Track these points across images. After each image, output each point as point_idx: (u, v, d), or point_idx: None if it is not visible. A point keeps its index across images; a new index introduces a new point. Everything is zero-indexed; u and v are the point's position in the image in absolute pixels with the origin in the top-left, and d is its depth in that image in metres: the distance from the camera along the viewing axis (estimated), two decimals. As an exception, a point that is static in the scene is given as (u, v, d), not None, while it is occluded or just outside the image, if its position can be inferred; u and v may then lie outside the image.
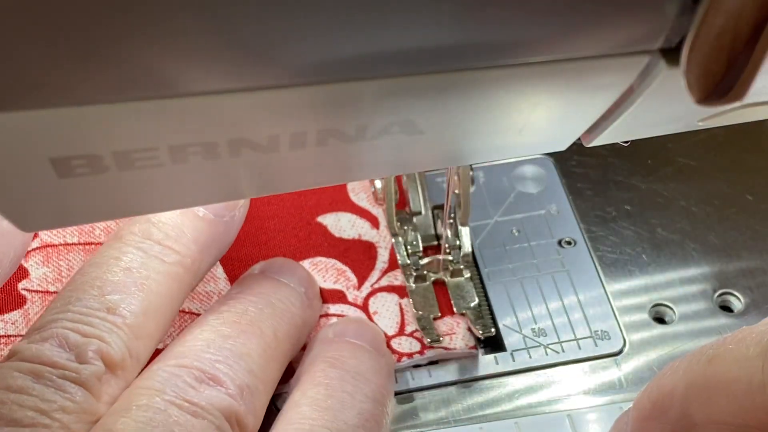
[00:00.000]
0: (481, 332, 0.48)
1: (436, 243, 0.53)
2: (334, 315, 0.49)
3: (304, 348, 0.47)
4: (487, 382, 0.48)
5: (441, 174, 0.56)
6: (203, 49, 0.20)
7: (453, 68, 0.23)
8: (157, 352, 0.41)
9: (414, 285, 0.50)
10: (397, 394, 0.47)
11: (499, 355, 0.49)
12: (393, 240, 0.52)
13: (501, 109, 0.26)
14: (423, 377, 0.48)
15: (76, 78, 0.20)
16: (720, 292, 0.52)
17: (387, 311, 0.50)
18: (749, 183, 0.57)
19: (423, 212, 0.54)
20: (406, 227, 0.52)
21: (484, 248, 0.53)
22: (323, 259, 0.51)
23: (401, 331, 0.49)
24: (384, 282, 0.51)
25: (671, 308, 0.51)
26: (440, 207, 0.54)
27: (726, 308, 0.52)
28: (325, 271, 0.51)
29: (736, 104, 0.24)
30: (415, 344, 0.48)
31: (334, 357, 0.43)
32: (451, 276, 0.51)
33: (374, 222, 0.53)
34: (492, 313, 0.51)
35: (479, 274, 0.52)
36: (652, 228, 0.55)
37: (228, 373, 0.38)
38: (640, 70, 0.25)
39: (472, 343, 0.49)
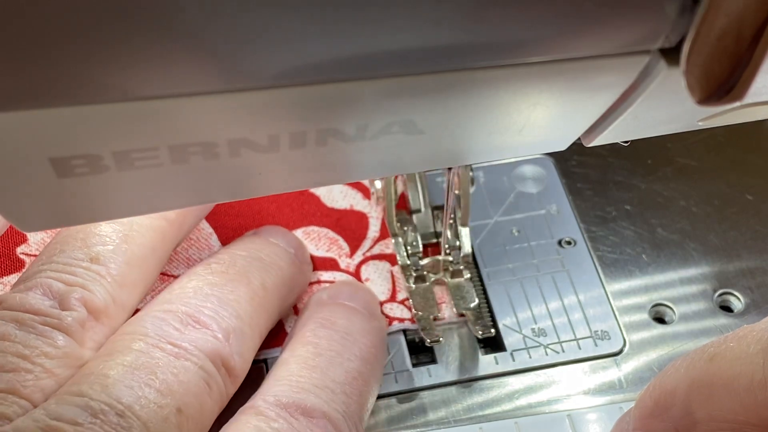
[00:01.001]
0: (480, 333, 0.48)
1: (435, 241, 0.53)
2: (326, 281, 0.50)
3: (297, 312, 0.47)
4: (487, 382, 0.48)
5: (441, 174, 0.56)
6: (204, 50, 0.20)
7: (453, 68, 0.23)
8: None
9: (414, 285, 0.50)
10: (397, 394, 0.47)
11: (499, 355, 0.49)
12: (393, 240, 0.52)
13: (501, 109, 0.26)
14: (423, 377, 0.48)
15: (77, 78, 0.20)
16: (720, 292, 0.52)
17: (379, 278, 0.51)
18: (749, 183, 0.57)
19: (423, 210, 0.54)
20: (406, 228, 0.52)
21: (484, 248, 0.53)
22: (316, 228, 0.52)
23: (392, 298, 0.50)
24: (376, 250, 0.52)
25: (671, 308, 0.51)
26: (440, 207, 0.54)
27: (726, 308, 0.52)
28: (318, 240, 0.52)
29: (736, 104, 0.24)
30: (405, 312, 0.50)
31: (324, 318, 0.44)
32: (451, 276, 0.51)
33: (366, 192, 0.54)
34: (492, 313, 0.51)
35: (479, 274, 0.52)
36: (652, 228, 0.55)
37: (213, 317, 0.39)
38: (640, 70, 0.25)
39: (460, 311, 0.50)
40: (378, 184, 0.51)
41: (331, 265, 0.51)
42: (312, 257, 0.51)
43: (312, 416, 0.38)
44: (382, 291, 0.50)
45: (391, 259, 0.52)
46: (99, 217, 0.29)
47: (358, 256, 0.52)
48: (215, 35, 0.20)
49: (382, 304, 0.50)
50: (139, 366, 0.36)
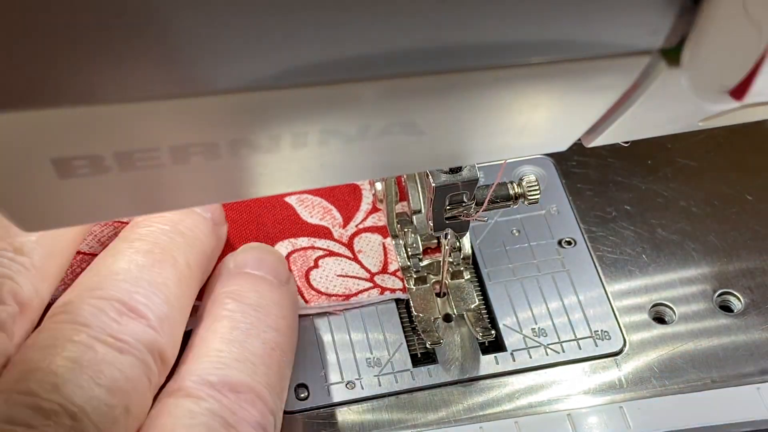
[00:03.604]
0: (481, 335, 0.48)
1: (435, 243, 0.53)
2: (320, 249, 0.51)
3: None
4: (487, 382, 0.48)
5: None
6: (204, 50, 0.20)
7: (454, 69, 0.23)
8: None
9: (414, 287, 0.51)
10: (397, 394, 0.47)
11: (499, 355, 0.49)
12: (393, 242, 0.52)
13: (502, 109, 0.26)
14: (423, 377, 0.48)
15: (77, 78, 0.20)
16: (720, 292, 0.52)
17: (371, 250, 0.52)
18: (749, 183, 0.57)
19: (423, 211, 0.54)
20: (406, 229, 0.52)
21: (484, 248, 0.53)
22: (309, 196, 0.53)
23: (384, 270, 0.51)
24: (369, 222, 0.53)
25: (671, 308, 0.51)
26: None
27: (726, 308, 0.52)
28: (312, 208, 0.53)
29: (737, 104, 0.24)
30: (397, 282, 0.51)
31: (234, 291, 0.43)
32: (452, 278, 0.51)
33: None
34: (492, 313, 0.51)
35: (479, 275, 0.52)
36: (652, 228, 0.55)
37: (147, 304, 0.38)
38: (641, 70, 0.25)
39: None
40: (378, 185, 0.51)
41: (325, 233, 0.52)
42: (306, 223, 0.52)
43: (239, 391, 0.38)
44: (374, 263, 0.51)
45: (383, 231, 0.53)
46: (100, 217, 0.29)
47: (351, 228, 0.53)
48: (216, 36, 0.20)
49: (374, 274, 0.51)
50: (86, 363, 0.35)
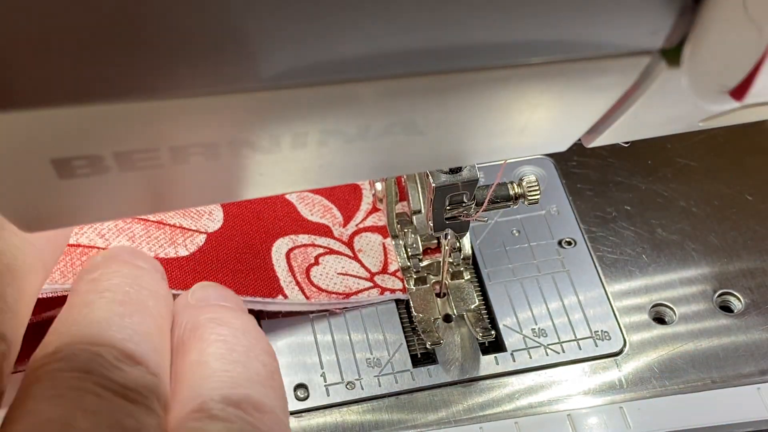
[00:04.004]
0: (481, 336, 0.48)
1: (435, 243, 0.53)
2: (321, 246, 0.51)
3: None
4: (487, 382, 0.48)
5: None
6: (204, 51, 0.20)
7: (455, 69, 0.23)
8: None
9: (414, 287, 0.51)
10: (397, 394, 0.47)
11: (499, 355, 0.49)
12: (393, 242, 0.52)
13: (502, 109, 0.26)
14: (423, 377, 0.48)
15: (78, 78, 0.20)
16: (720, 292, 0.52)
17: (371, 250, 0.52)
18: (749, 183, 0.57)
19: (423, 211, 0.54)
20: (406, 230, 0.52)
21: (484, 249, 0.53)
22: (309, 194, 0.54)
23: (384, 270, 0.51)
24: (369, 222, 0.53)
25: (671, 308, 0.51)
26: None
27: (726, 308, 0.52)
28: (312, 206, 0.53)
29: (737, 104, 0.24)
30: (397, 282, 0.51)
31: (214, 318, 0.39)
32: (452, 278, 0.51)
33: None
34: (492, 314, 0.51)
35: (479, 275, 0.52)
36: (652, 228, 0.55)
37: (141, 352, 0.35)
38: (641, 70, 0.25)
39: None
40: (378, 185, 0.51)
41: (325, 231, 0.52)
42: (306, 221, 0.52)
43: (263, 411, 0.34)
44: (374, 263, 0.51)
45: (383, 231, 0.53)
46: (100, 217, 0.29)
47: (351, 227, 0.53)
48: (216, 37, 0.20)
49: (374, 274, 0.51)
50: (105, 413, 0.32)
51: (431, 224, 0.46)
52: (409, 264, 0.51)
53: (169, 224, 0.48)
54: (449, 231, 0.46)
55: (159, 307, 0.39)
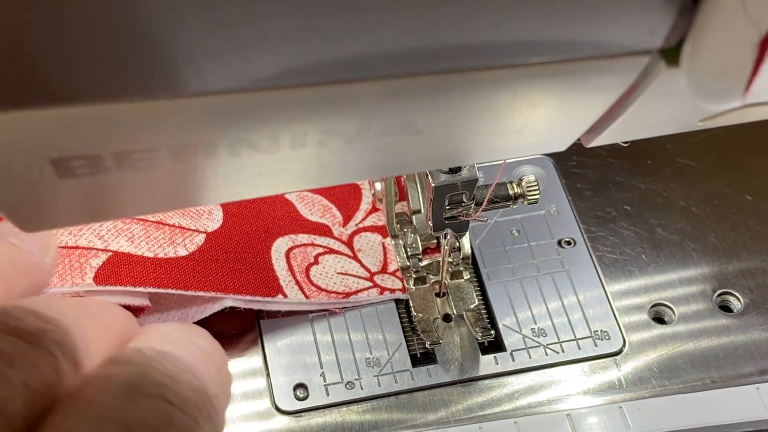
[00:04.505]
0: (480, 336, 0.48)
1: (435, 243, 0.53)
2: (320, 246, 0.51)
3: None
4: (487, 382, 0.48)
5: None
6: (203, 50, 0.20)
7: (454, 69, 0.23)
8: None
9: (413, 287, 0.51)
10: (397, 394, 0.47)
11: (498, 355, 0.49)
12: (393, 242, 0.52)
13: (501, 109, 0.26)
14: (422, 377, 0.48)
15: (77, 77, 0.20)
16: (720, 292, 0.52)
17: (371, 250, 0.52)
18: (749, 183, 0.57)
19: (422, 211, 0.54)
20: (405, 229, 0.52)
21: (484, 248, 0.53)
22: (309, 194, 0.54)
23: (384, 269, 0.51)
24: (368, 222, 0.53)
25: (671, 308, 0.51)
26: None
27: (726, 308, 0.52)
28: (312, 205, 0.53)
29: (737, 104, 0.24)
30: (396, 282, 0.51)
31: (159, 326, 0.36)
32: (451, 278, 0.51)
33: None
34: (491, 313, 0.51)
35: (478, 275, 0.52)
36: (651, 228, 0.55)
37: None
38: (640, 70, 0.25)
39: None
40: (378, 185, 0.51)
41: (324, 231, 0.52)
42: (306, 221, 0.52)
43: (181, 368, 0.32)
44: (373, 263, 0.51)
45: (382, 231, 0.53)
46: (100, 217, 0.29)
47: (351, 227, 0.53)
48: (215, 36, 0.20)
49: (374, 274, 0.51)
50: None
51: (431, 224, 0.46)
52: (408, 264, 0.51)
53: (168, 224, 0.48)
54: (449, 231, 0.46)
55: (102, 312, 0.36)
